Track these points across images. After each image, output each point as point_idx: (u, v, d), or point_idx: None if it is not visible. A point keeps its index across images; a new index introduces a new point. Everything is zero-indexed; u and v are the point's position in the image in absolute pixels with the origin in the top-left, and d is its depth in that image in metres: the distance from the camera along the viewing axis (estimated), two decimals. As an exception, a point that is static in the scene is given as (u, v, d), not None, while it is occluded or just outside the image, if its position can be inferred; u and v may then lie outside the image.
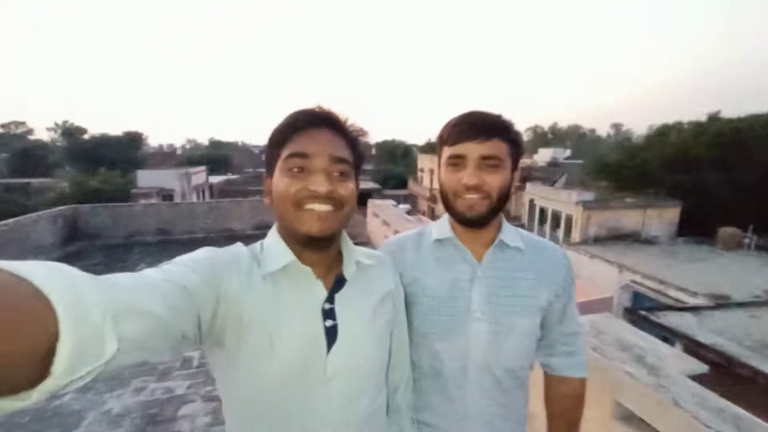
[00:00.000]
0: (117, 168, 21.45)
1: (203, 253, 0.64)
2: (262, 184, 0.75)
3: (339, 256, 0.76)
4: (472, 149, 0.80)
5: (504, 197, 0.83)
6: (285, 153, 0.67)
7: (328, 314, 0.70)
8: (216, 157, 40.13)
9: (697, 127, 19.43)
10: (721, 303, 8.27)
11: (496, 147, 0.80)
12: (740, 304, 8.09)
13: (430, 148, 37.56)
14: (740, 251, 13.74)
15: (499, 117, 0.83)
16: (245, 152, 57.24)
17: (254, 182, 30.14)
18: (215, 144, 61.33)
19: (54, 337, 0.34)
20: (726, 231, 14.17)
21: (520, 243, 0.90)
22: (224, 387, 0.70)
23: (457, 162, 0.82)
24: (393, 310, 0.82)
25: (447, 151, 0.84)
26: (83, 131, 34.15)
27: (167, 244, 8.55)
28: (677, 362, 1.54)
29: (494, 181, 0.80)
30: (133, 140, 34.34)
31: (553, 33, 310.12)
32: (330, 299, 0.71)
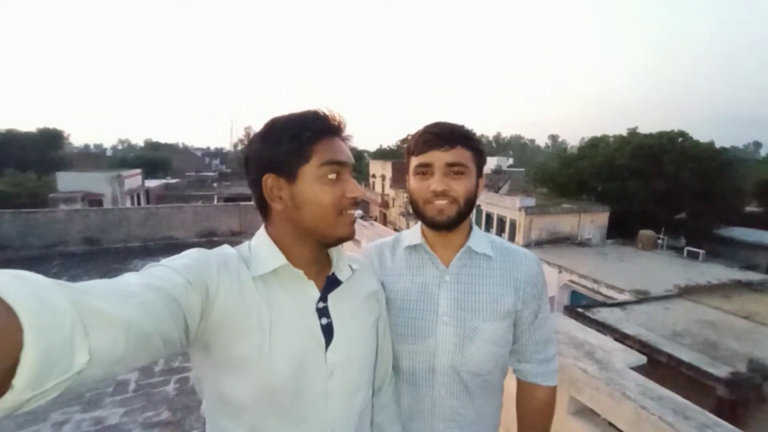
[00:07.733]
0: (30, 170, 18.89)
1: (190, 254, 0.63)
2: (257, 188, 0.70)
3: (327, 258, 0.78)
4: (438, 157, 0.83)
5: (471, 202, 0.86)
6: (317, 160, 0.67)
7: (323, 312, 0.72)
8: (153, 159, 37.12)
9: (621, 141, 21.86)
10: (642, 298, 9.28)
11: (461, 154, 0.83)
12: (657, 298, 9.14)
13: (381, 155, 38.08)
14: (656, 251, 15.65)
15: (461, 126, 0.86)
16: (187, 155, 53.99)
17: (196, 186, 28.25)
18: (152, 145, 56.91)
19: (18, 348, 0.32)
20: (644, 233, 16.06)
21: (488, 250, 0.91)
22: (213, 394, 0.68)
23: (424, 170, 0.85)
24: (378, 308, 0.85)
25: (414, 161, 0.87)
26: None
27: (95, 255, 7.63)
28: (621, 355, 1.67)
29: (460, 186, 0.83)
30: (50, 139, 30.68)
31: (496, 52, 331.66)
32: (323, 298, 0.73)
